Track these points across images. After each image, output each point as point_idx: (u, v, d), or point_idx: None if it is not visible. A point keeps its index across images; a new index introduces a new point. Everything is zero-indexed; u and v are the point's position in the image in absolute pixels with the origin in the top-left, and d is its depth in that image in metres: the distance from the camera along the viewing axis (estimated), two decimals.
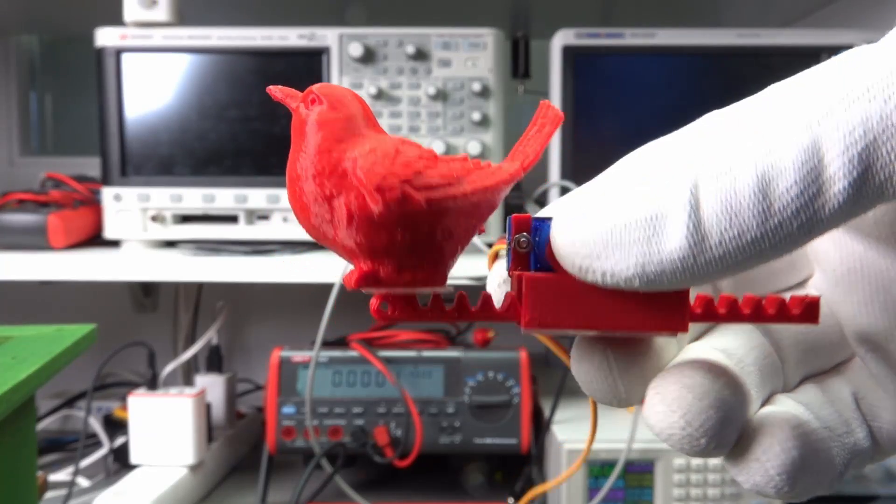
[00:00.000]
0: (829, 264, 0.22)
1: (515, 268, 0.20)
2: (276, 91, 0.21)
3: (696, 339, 0.22)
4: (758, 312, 0.20)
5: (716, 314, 0.20)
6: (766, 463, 0.19)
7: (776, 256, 0.17)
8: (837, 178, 0.16)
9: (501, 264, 0.23)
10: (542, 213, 0.21)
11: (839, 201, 0.16)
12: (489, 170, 0.21)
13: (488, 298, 0.20)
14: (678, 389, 0.19)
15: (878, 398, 0.21)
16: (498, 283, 0.23)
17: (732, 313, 0.20)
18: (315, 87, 0.20)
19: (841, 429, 0.21)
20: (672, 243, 0.17)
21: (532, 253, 0.20)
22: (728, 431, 0.19)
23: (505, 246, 0.21)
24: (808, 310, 0.19)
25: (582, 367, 0.20)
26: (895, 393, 0.21)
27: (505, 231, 0.24)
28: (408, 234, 0.19)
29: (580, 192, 0.20)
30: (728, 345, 0.21)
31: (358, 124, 0.20)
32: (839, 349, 0.23)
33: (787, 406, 0.21)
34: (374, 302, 0.20)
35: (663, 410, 0.19)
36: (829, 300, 0.22)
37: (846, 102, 0.16)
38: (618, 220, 0.17)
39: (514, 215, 0.20)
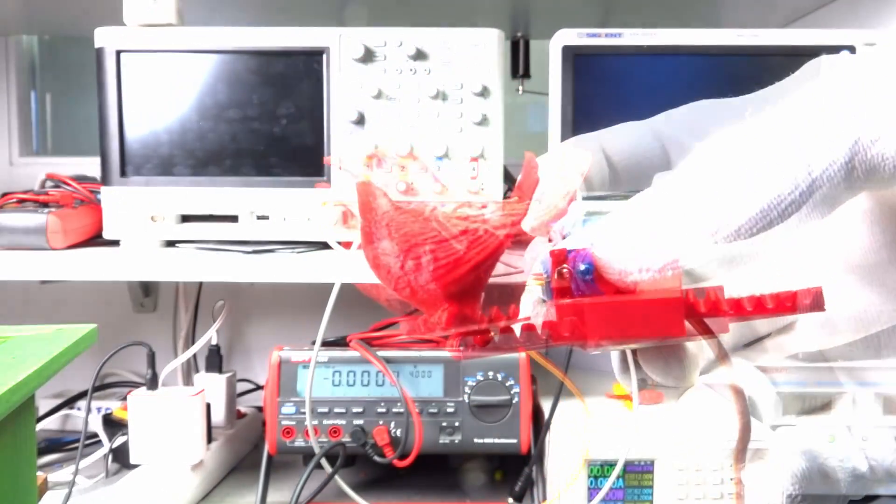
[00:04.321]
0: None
1: (560, 296, 0.22)
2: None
3: None
4: (762, 306, 0.22)
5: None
6: None
7: None
8: None
9: (531, 294, 0.26)
10: (574, 243, 0.22)
11: None
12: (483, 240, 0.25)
13: (552, 326, 0.23)
14: None
15: None
16: (533, 310, 0.26)
17: (737, 308, 0.22)
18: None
19: None
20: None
21: (573, 280, 0.22)
22: None
23: (542, 280, 0.24)
24: (816, 299, 0.23)
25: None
26: None
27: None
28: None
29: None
30: None
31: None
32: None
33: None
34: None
35: None
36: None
37: None
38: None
39: (551, 251, 0.22)
